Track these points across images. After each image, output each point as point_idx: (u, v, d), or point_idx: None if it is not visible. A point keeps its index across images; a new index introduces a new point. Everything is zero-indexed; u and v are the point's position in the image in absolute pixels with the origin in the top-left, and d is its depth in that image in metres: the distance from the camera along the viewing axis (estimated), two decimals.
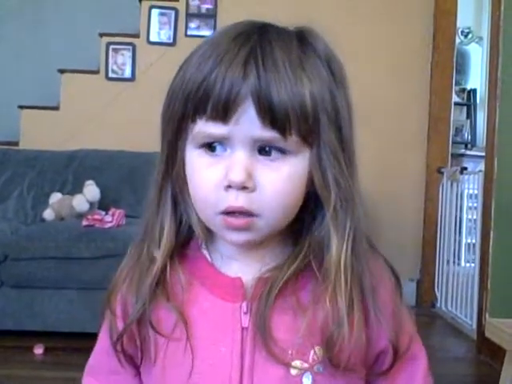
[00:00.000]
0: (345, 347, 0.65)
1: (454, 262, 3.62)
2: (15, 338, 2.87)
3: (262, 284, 0.67)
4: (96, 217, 2.97)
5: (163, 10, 3.88)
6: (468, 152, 5.79)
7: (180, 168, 0.69)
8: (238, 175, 0.63)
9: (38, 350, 2.74)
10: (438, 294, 3.69)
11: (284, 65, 0.62)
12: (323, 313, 0.65)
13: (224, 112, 0.62)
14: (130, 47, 3.88)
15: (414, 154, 3.89)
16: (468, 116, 6.37)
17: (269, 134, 0.63)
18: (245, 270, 0.69)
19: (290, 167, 0.64)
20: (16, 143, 3.88)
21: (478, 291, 2.99)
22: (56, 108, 3.90)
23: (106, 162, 3.51)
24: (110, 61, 3.88)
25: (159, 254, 0.70)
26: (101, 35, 3.92)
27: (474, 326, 3.05)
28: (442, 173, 3.73)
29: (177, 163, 0.69)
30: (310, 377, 0.66)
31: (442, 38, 3.86)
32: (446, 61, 3.86)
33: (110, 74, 3.89)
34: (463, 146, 6.11)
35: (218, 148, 0.65)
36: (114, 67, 3.89)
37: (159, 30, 3.88)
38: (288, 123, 0.62)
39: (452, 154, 5.11)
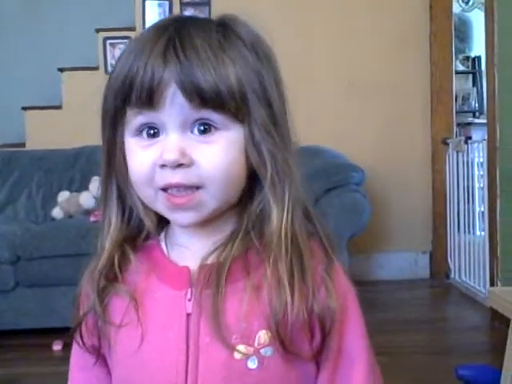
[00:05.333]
0: (288, 321, 0.65)
1: (467, 232, 3.60)
2: (34, 336, 2.91)
3: (206, 269, 0.69)
4: None
5: (157, 1, 3.88)
6: (476, 120, 5.73)
7: (120, 160, 0.71)
8: (172, 154, 0.65)
9: (57, 347, 2.78)
10: (452, 265, 3.68)
11: (204, 48, 0.65)
12: (268, 292, 0.66)
13: (148, 99, 0.65)
14: (127, 41, 3.89)
15: (419, 126, 3.86)
16: (474, 84, 6.29)
17: (199, 115, 0.66)
18: (196, 257, 0.71)
19: (223, 140, 0.67)
20: (22, 144, 3.91)
21: (489, 259, 2.99)
22: (59, 107, 3.93)
23: None
24: (109, 56, 3.90)
25: (107, 246, 0.73)
26: (97, 31, 3.92)
27: (488, 294, 3.03)
28: (448, 144, 3.71)
29: (117, 156, 0.71)
30: (256, 361, 0.67)
31: (439, 7, 3.80)
32: (444, 30, 3.81)
33: (110, 69, 3.89)
34: (471, 114, 6.05)
35: (152, 133, 0.68)
36: (113, 62, 3.89)
37: (155, 21, 3.87)
38: (217, 102, 0.65)
39: (460, 124, 5.06)
